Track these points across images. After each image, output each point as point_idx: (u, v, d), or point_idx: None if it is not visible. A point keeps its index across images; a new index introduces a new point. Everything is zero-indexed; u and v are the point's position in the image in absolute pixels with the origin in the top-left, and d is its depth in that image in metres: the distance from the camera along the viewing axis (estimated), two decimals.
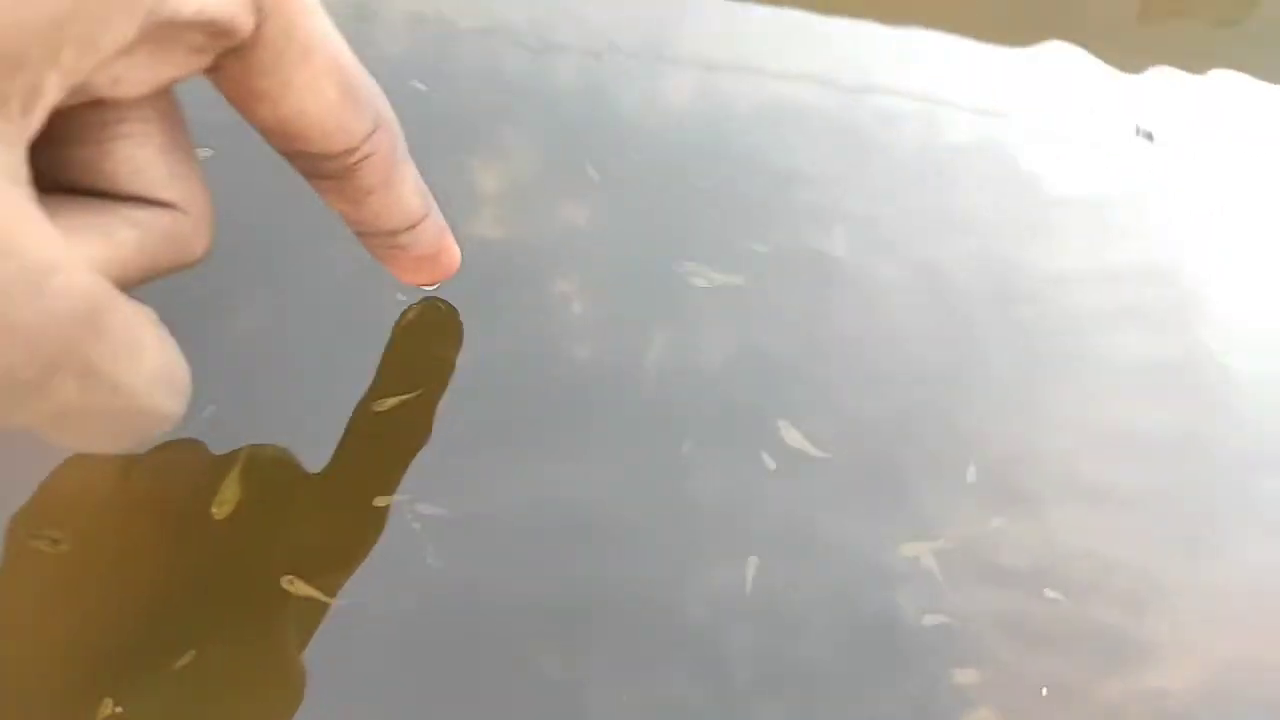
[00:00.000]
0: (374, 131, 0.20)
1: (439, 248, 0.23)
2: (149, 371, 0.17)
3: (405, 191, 0.21)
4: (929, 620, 0.23)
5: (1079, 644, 0.23)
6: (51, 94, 0.15)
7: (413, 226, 0.22)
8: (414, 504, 0.23)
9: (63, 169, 0.17)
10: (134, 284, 0.18)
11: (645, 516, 0.24)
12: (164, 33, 0.16)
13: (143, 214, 0.18)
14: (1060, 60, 0.35)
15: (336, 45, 0.19)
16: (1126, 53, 0.36)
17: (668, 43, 0.33)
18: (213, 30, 0.16)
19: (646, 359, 0.26)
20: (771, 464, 0.25)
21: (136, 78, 0.17)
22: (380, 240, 0.22)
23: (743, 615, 0.23)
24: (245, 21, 0.17)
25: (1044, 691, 0.23)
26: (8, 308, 0.14)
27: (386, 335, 0.25)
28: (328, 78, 0.19)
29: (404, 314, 0.26)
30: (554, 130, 0.30)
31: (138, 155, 0.18)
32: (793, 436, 0.25)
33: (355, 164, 0.20)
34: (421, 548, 0.23)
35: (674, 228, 0.29)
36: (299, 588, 0.22)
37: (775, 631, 0.23)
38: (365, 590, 0.22)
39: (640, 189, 0.30)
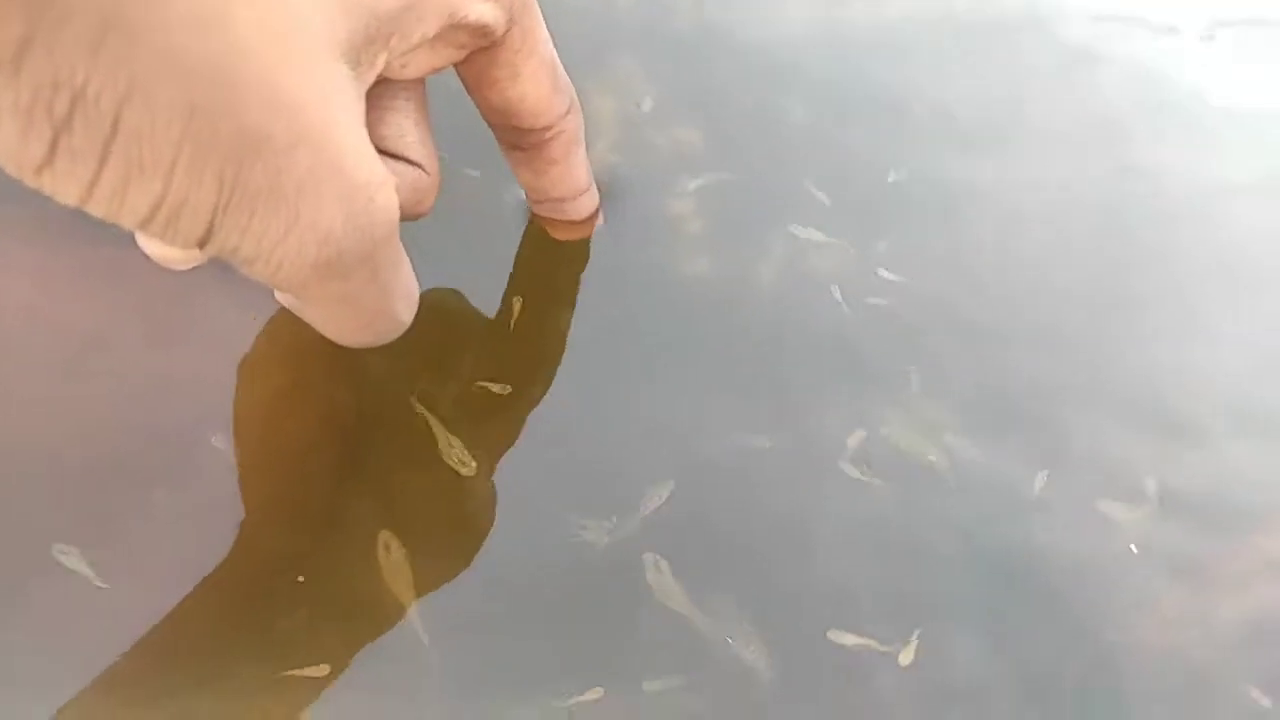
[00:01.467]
0: (568, 112, 0.26)
1: (592, 214, 0.29)
2: (402, 285, 0.23)
3: (578, 165, 0.28)
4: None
5: None
6: (379, 66, 0.21)
7: (578, 196, 0.28)
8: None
9: None
10: None
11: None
12: (448, 32, 0.22)
13: (401, 167, 0.24)
14: None
15: (551, 48, 0.25)
16: None
17: None
18: (479, 32, 0.23)
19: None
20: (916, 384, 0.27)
21: (419, 64, 0.23)
22: (549, 205, 0.29)
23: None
24: (501, 26, 0.23)
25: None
26: (353, 207, 0.20)
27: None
28: (544, 70, 0.25)
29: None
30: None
31: (403, 123, 0.24)
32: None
33: (550, 139, 0.26)
34: None
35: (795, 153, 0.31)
36: None
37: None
38: None
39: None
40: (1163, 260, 0.31)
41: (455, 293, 0.29)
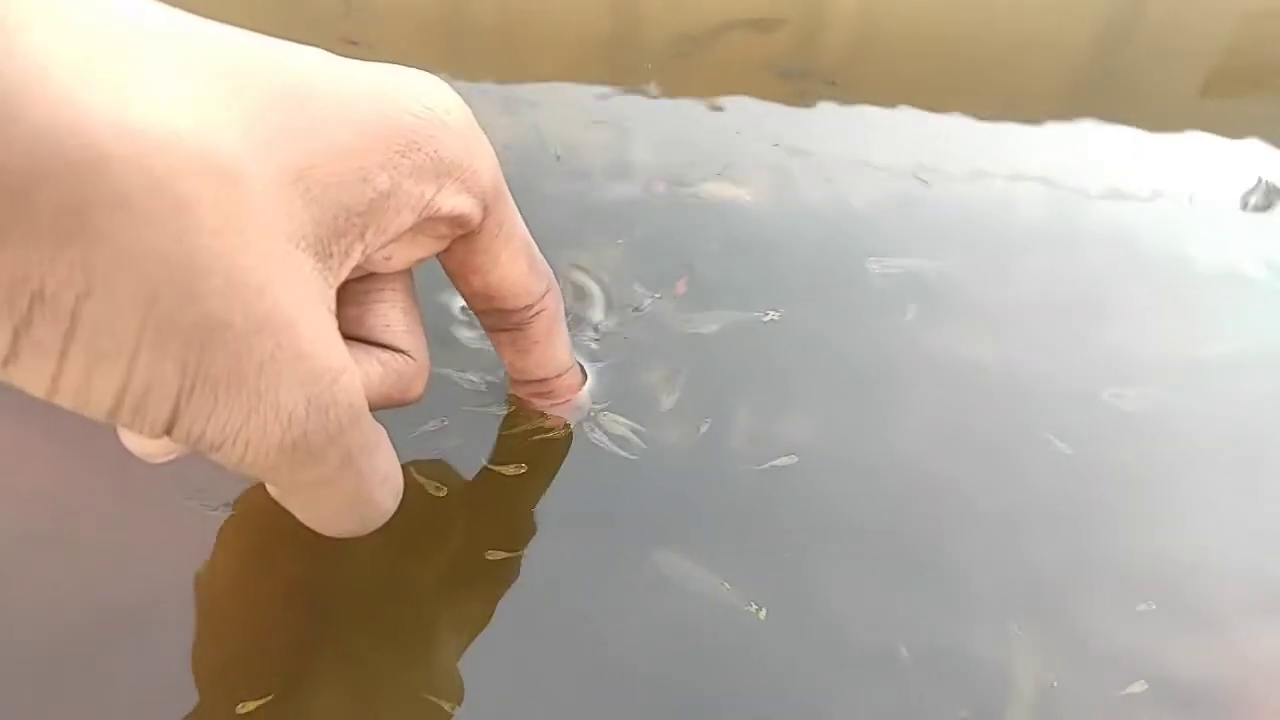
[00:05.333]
0: (546, 292, 0.27)
1: (574, 392, 0.30)
2: (381, 469, 0.23)
3: (559, 344, 0.28)
4: None
5: None
6: (355, 257, 0.22)
7: (560, 375, 0.29)
8: None
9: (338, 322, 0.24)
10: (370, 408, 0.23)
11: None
12: (427, 224, 0.23)
13: (386, 356, 0.24)
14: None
15: (525, 231, 0.26)
16: None
17: None
18: (457, 222, 0.24)
19: None
20: None
21: (401, 256, 0.24)
22: (533, 386, 0.29)
23: None
24: (477, 216, 0.24)
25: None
26: (315, 390, 0.20)
27: None
28: (521, 253, 0.26)
29: None
30: None
31: (389, 314, 0.25)
32: None
33: (531, 318, 0.27)
34: None
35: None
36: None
37: None
38: None
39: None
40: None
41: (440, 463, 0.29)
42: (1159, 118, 0.43)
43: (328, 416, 0.20)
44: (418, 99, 0.22)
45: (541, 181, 0.38)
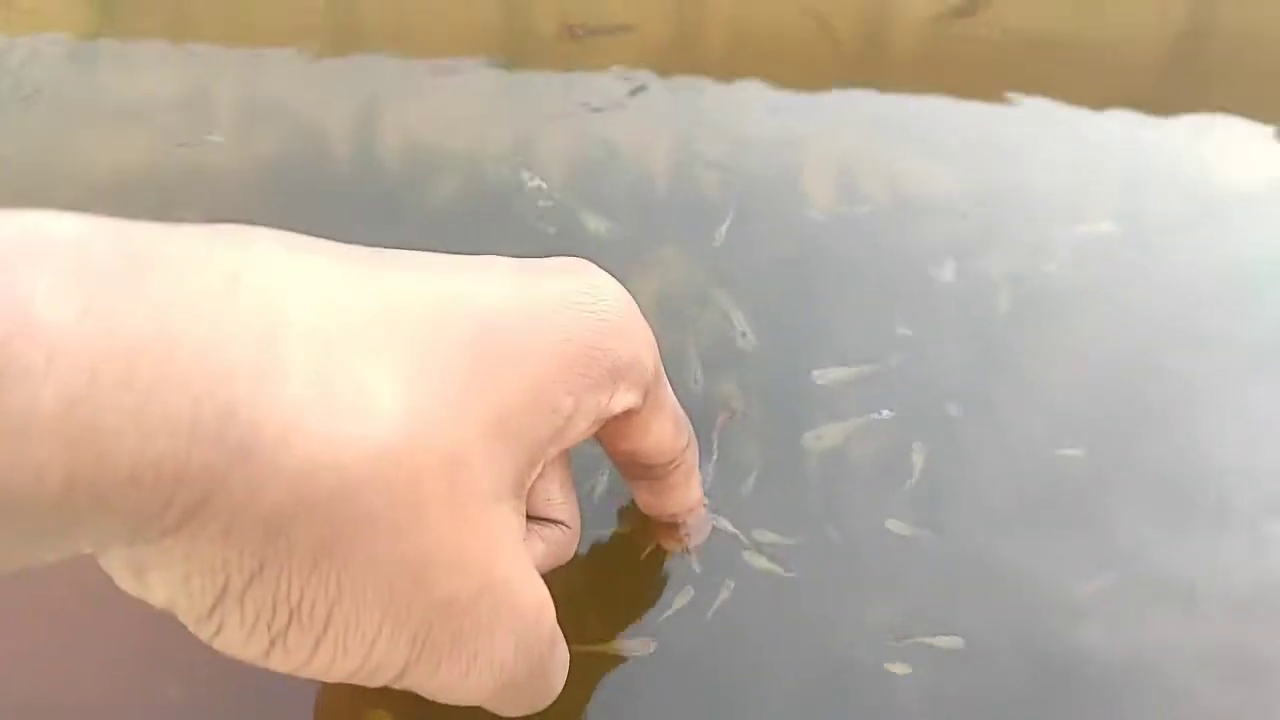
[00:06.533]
0: (687, 447, 0.28)
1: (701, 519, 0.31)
2: (560, 664, 0.24)
3: (694, 485, 0.29)
4: None
5: None
6: (537, 473, 0.22)
7: (691, 510, 0.30)
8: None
9: None
10: None
11: None
12: (599, 420, 0.24)
13: (548, 531, 0.26)
14: None
15: (674, 397, 0.27)
16: None
17: None
18: (622, 415, 0.24)
19: None
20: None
21: (572, 444, 0.24)
22: (664, 518, 0.30)
23: None
24: (641, 402, 0.25)
25: None
26: (523, 634, 0.22)
27: None
28: (671, 420, 0.27)
29: None
30: None
31: (550, 489, 0.26)
32: None
33: (673, 470, 0.28)
34: None
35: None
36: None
37: None
38: None
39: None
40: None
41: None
42: None
43: (532, 654, 0.22)
44: (594, 310, 0.23)
45: None
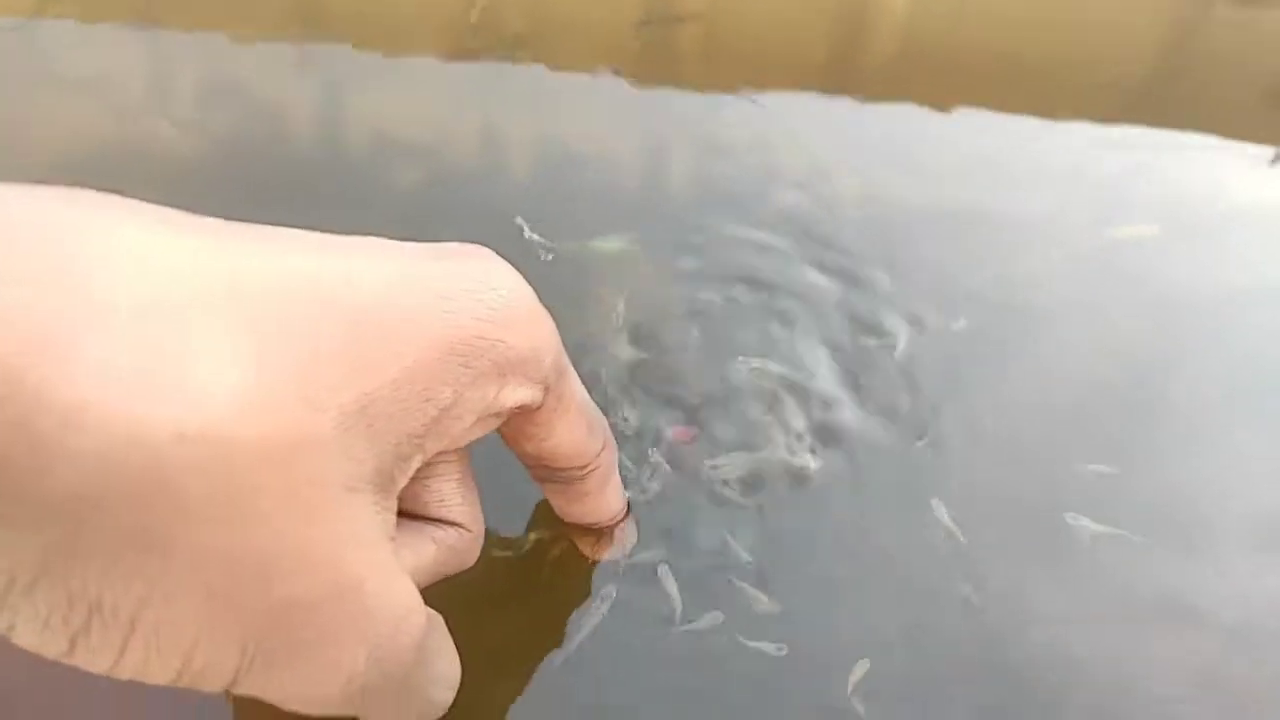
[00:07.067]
0: (602, 449, 0.26)
1: (621, 532, 0.29)
2: (440, 675, 0.22)
3: (611, 492, 0.28)
4: None
5: None
6: (413, 468, 0.21)
7: (612, 520, 0.29)
8: None
9: None
10: (422, 586, 0.23)
11: None
12: (488, 418, 0.22)
13: (441, 533, 0.24)
14: None
15: (584, 394, 0.25)
16: None
17: None
18: (518, 410, 0.23)
19: None
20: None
21: (459, 441, 0.22)
22: (584, 526, 0.28)
23: None
24: (539, 399, 0.23)
25: None
26: (377, 644, 0.20)
27: None
28: (580, 418, 0.25)
29: None
30: None
31: (444, 488, 0.24)
32: None
33: (585, 475, 0.26)
34: None
35: None
36: None
37: None
38: None
39: None
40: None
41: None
42: None
43: (387, 666, 0.20)
44: (482, 297, 0.21)
45: None
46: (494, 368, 0.21)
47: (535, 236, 0.37)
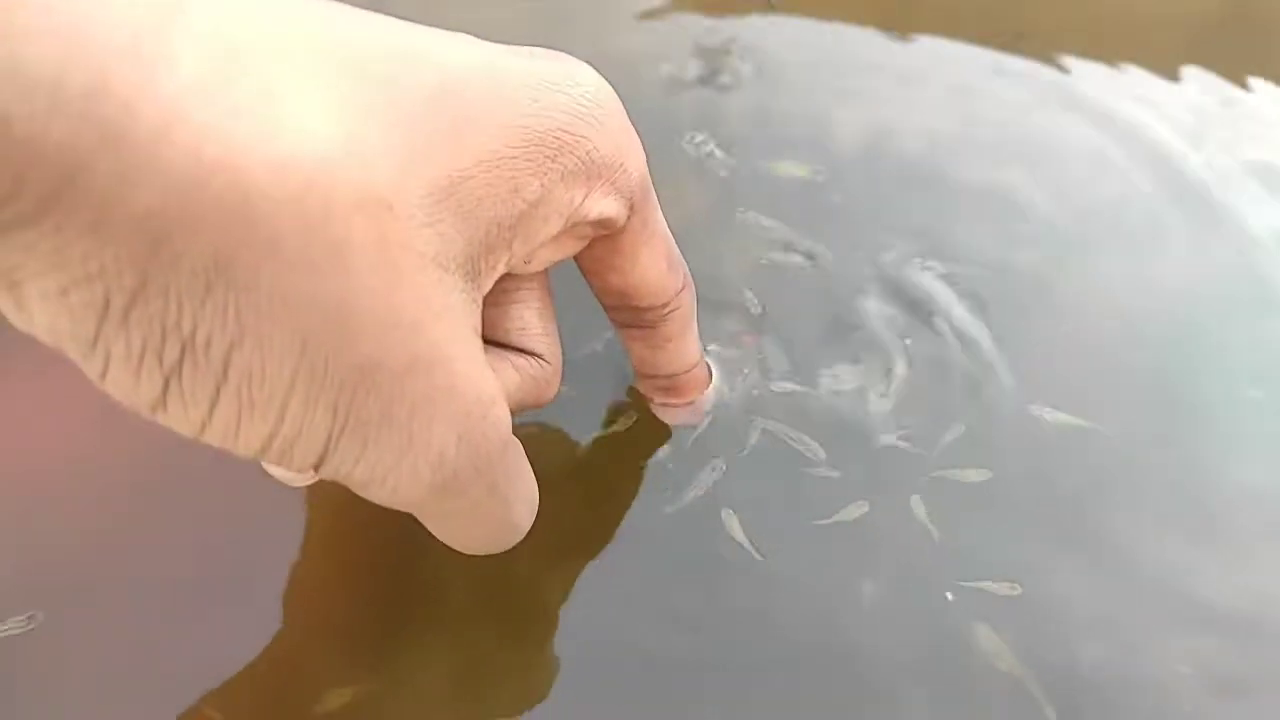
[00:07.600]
0: (682, 289, 0.25)
1: (701, 389, 0.29)
2: (523, 493, 0.22)
3: (691, 340, 0.27)
4: None
5: None
6: (500, 269, 0.20)
7: (689, 370, 0.28)
8: None
9: None
10: None
11: None
12: (572, 228, 0.22)
13: (522, 361, 0.23)
14: None
15: (666, 226, 0.24)
16: None
17: None
18: (602, 224, 0.22)
19: None
20: None
21: (542, 258, 0.22)
22: (661, 381, 0.28)
23: None
24: (624, 217, 0.22)
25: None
26: (467, 426, 0.19)
27: None
28: (662, 251, 0.24)
29: None
30: None
31: (525, 315, 0.23)
32: None
33: (666, 315, 0.25)
34: None
35: None
36: None
37: None
38: None
39: None
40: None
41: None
42: None
43: (478, 452, 0.20)
44: (570, 93, 0.20)
45: None
46: (581, 167, 0.21)
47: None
